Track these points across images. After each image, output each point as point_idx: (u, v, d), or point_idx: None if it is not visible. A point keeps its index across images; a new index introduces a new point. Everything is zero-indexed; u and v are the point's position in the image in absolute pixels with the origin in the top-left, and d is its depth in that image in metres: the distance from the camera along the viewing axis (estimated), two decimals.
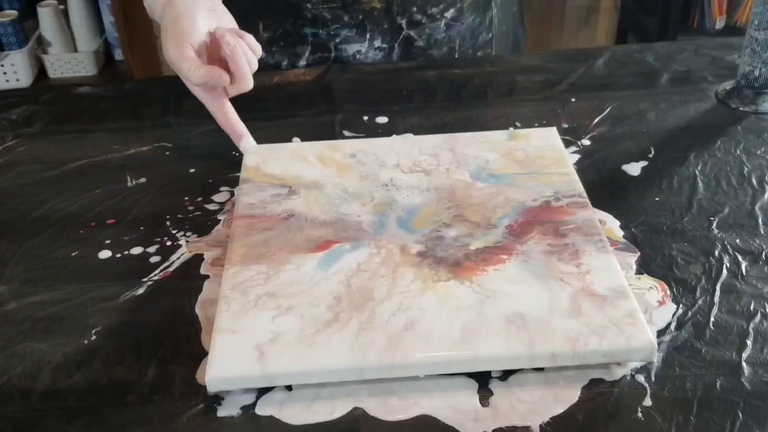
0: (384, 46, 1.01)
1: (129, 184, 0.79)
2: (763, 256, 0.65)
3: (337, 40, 1.00)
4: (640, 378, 0.55)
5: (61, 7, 2.04)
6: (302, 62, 1.02)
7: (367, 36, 0.99)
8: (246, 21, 0.85)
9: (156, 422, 0.53)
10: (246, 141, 0.80)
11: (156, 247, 0.69)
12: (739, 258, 0.65)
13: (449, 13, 1.00)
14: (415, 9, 0.99)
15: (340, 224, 0.68)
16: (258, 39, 0.81)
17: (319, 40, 1.01)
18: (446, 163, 0.75)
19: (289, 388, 0.55)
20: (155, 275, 0.66)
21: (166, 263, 0.67)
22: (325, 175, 0.74)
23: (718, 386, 0.54)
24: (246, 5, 0.96)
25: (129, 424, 0.53)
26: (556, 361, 0.55)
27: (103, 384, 0.56)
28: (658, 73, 0.95)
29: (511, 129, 0.83)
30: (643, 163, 0.78)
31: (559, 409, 0.53)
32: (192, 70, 0.75)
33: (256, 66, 0.79)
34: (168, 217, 0.73)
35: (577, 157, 0.80)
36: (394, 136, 0.84)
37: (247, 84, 0.78)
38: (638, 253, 0.66)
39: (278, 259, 0.64)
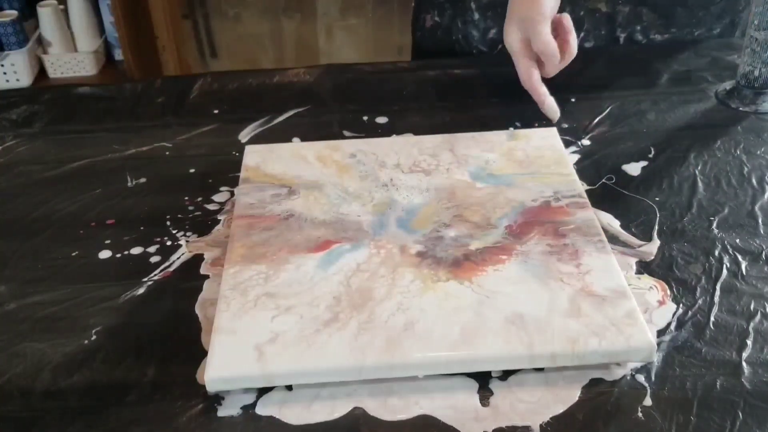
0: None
1: (129, 184, 0.79)
2: (763, 256, 0.65)
3: None
4: (640, 378, 0.55)
5: (61, 7, 2.04)
6: None
7: (581, 35, 0.98)
8: None
9: (156, 422, 0.53)
10: (549, 105, 0.82)
11: (156, 247, 0.69)
12: (739, 258, 0.65)
13: None
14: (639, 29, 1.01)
15: (339, 224, 0.68)
16: None
17: None
18: (446, 163, 0.75)
19: (289, 388, 0.55)
20: (155, 275, 0.66)
21: (166, 263, 0.67)
22: (325, 175, 0.74)
23: (718, 386, 0.54)
24: None
25: (129, 424, 0.53)
26: (556, 362, 0.55)
27: (103, 384, 0.56)
28: (658, 73, 0.95)
29: (511, 129, 0.83)
30: (643, 163, 0.78)
31: (559, 409, 0.53)
32: (545, 33, 0.79)
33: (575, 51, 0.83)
34: (168, 217, 0.73)
35: (577, 157, 0.80)
36: (394, 136, 0.84)
37: (565, 63, 0.82)
38: None
39: (278, 259, 0.64)
